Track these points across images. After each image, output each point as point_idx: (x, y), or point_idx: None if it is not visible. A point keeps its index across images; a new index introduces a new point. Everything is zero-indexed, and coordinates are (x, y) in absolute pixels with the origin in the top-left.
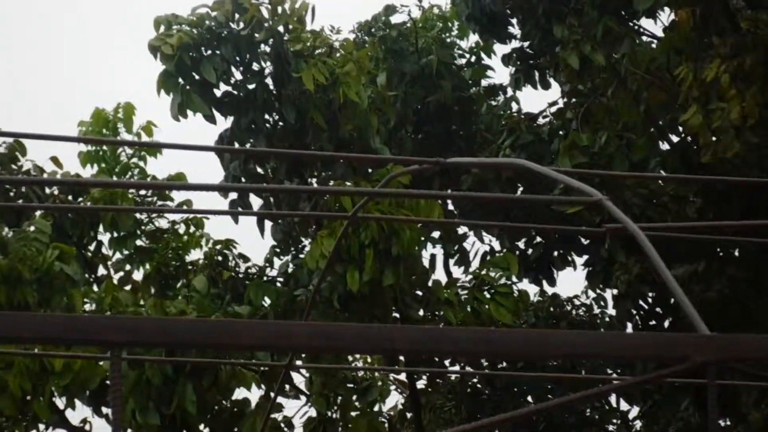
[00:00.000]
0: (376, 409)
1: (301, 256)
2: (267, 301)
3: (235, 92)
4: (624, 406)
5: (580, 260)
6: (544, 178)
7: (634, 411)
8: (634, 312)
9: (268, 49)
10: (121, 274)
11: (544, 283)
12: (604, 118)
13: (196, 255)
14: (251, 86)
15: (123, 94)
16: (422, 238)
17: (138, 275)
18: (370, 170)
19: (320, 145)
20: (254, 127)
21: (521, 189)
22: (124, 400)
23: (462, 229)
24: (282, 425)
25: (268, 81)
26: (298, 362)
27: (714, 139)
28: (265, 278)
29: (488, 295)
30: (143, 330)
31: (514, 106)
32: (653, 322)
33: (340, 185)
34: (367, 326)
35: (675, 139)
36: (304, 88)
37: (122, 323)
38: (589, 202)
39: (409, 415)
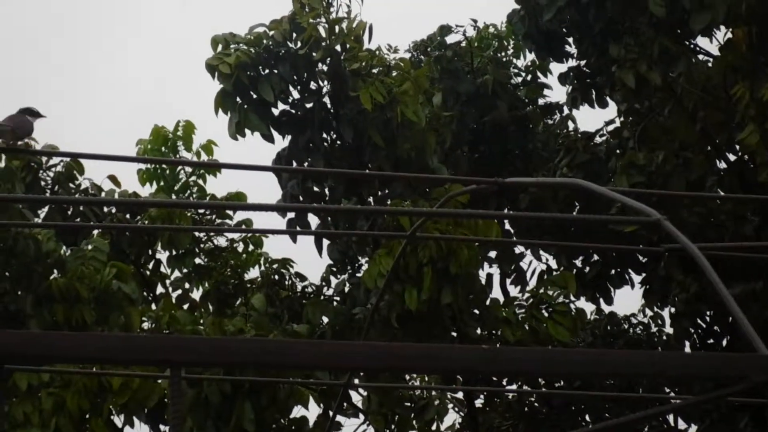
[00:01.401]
0: (433, 428)
1: (358, 275)
2: (324, 320)
3: (293, 111)
4: (682, 425)
5: (637, 278)
6: (601, 196)
7: (692, 430)
8: (692, 331)
9: (325, 68)
10: (179, 292)
11: (601, 301)
12: (661, 137)
13: (254, 273)
14: (309, 105)
15: (182, 113)
16: (480, 258)
17: (196, 294)
18: (427, 189)
19: (378, 164)
20: (312, 146)
21: (578, 208)
22: (183, 418)
23: (519, 248)
24: None
25: (326, 100)
26: (356, 380)
27: None
28: (322, 297)
29: (546, 314)
30: (203, 350)
31: (571, 125)
32: (711, 341)
33: (398, 204)
34: (426, 346)
35: (732, 157)
36: (362, 107)
37: (182, 343)
38: (647, 222)
39: None
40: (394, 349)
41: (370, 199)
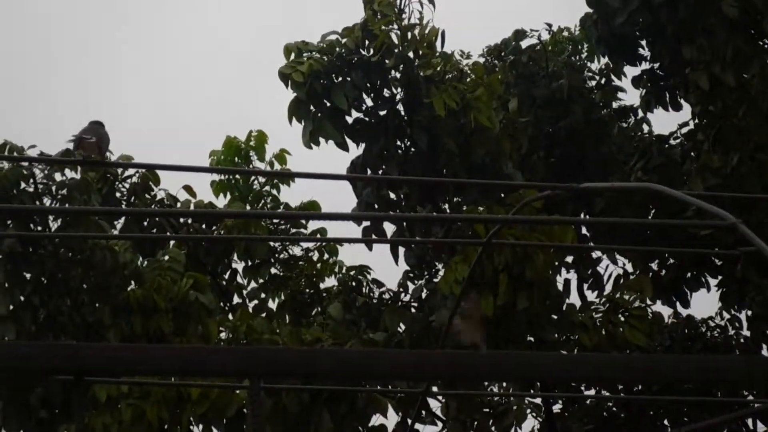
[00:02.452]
0: None
1: (435, 280)
2: (402, 327)
3: (367, 119)
4: (761, 428)
5: (713, 281)
6: (676, 200)
7: None
8: None
9: (398, 75)
10: (256, 302)
11: (678, 304)
12: (736, 139)
13: (330, 282)
14: (382, 112)
15: (255, 122)
16: (556, 263)
17: (272, 304)
18: (502, 195)
19: (452, 170)
20: (386, 154)
21: (653, 211)
22: (262, 428)
23: (596, 253)
24: None
25: (399, 107)
26: (434, 388)
27: None
28: (399, 303)
29: (622, 318)
30: (283, 360)
31: (645, 128)
32: None
33: (473, 211)
34: (503, 353)
35: None
36: (436, 113)
37: (262, 353)
38: (723, 226)
39: None
40: (472, 359)
41: (445, 206)
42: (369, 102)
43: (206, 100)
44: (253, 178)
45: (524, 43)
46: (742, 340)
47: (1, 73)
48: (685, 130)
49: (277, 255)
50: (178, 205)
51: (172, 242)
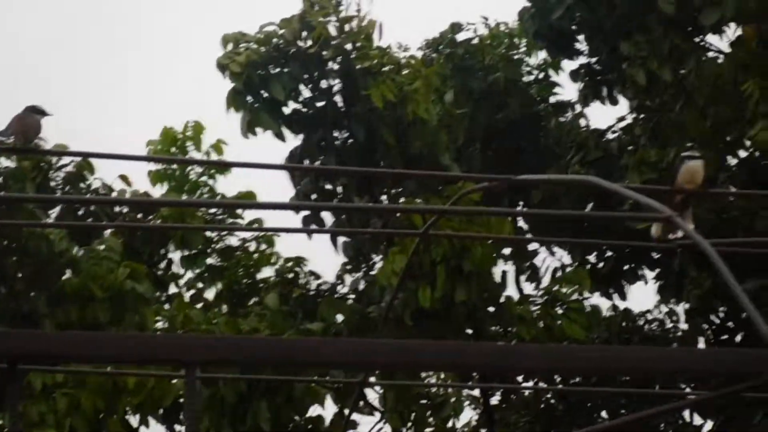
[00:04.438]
0: (450, 425)
1: (372, 272)
2: (339, 318)
3: (304, 110)
4: (697, 420)
5: (651, 274)
6: (613, 193)
7: (708, 425)
8: (706, 327)
9: (336, 67)
10: (193, 292)
11: (616, 297)
12: (672, 134)
13: (267, 273)
14: (320, 104)
15: (192, 112)
16: (493, 255)
17: (209, 293)
18: (440, 187)
19: (390, 162)
20: (324, 145)
21: (591, 204)
22: (199, 418)
23: (533, 245)
24: None
25: (337, 98)
26: (372, 378)
27: None
28: (336, 295)
29: (560, 311)
30: (220, 348)
31: (583, 122)
32: (725, 337)
33: (411, 202)
34: (442, 343)
35: (743, 154)
36: (373, 105)
37: (197, 342)
38: (658, 219)
39: (483, 431)
40: (415, 346)
41: (383, 197)
42: (307, 93)
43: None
44: (189, 167)
45: (461, 37)
46: (679, 333)
47: None
48: (622, 124)
49: (214, 245)
50: (114, 194)
51: (108, 231)
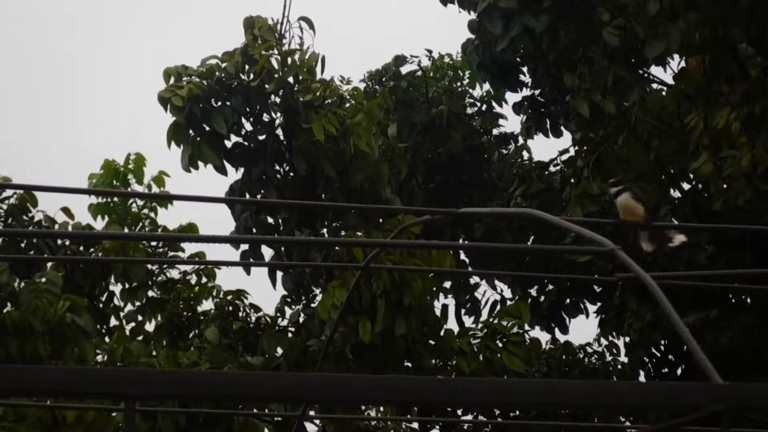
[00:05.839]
0: None
1: (313, 305)
2: (279, 352)
3: (246, 143)
4: None
5: (592, 308)
6: (555, 226)
7: None
8: (647, 360)
9: (278, 100)
10: (133, 324)
11: (557, 330)
12: (615, 166)
13: (207, 305)
14: (262, 137)
15: (134, 144)
16: (434, 288)
17: (150, 326)
18: (381, 220)
19: (331, 195)
20: (265, 178)
21: (533, 237)
22: None
23: (474, 279)
24: None
25: (279, 132)
26: (312, 412)
27: (725, 186)
28: (276, 328)
29: (500, 344)
30: (159, 382)
31: (525, 154)
32: (666, 370)
33: (352, 235)
34: (381, 377)
35: (686, 186)
36: (315, 138)
37: (137, 375)
38: (601, 252)
39: None
40: (349, 380)
41: (324, 231)
42: (248, 126)
43: (82, 123)
44: (131, 200)
45: (405, 69)
46: (619, 366)
47: None
48: (565, 156)
49: (154, 278)
50: (56, 227)
51: (49, 264)
